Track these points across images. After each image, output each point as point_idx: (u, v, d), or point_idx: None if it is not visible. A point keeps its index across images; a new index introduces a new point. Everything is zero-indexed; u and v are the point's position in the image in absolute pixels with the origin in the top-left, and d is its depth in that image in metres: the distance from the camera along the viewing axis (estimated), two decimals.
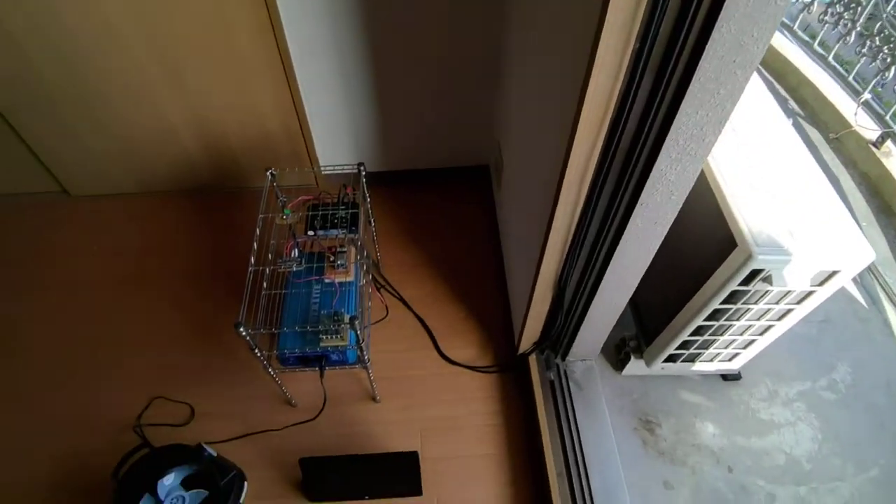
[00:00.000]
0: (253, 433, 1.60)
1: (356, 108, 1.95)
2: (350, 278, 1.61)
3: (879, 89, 2.44)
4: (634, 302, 1.59)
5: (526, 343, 1.63)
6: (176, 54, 1.73)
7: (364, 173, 1.60)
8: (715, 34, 0.73)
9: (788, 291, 1.22)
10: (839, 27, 2.52)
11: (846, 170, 2.39)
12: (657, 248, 1.16)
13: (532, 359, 1.64)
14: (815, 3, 2.71)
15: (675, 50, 0.77)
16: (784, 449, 1.55)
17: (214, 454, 1.38)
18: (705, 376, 1.68)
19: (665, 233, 1.12)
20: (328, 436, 1.60)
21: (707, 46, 0.74)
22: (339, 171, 1.64)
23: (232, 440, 1.58)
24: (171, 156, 2.08)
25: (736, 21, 0.72)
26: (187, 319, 1.86)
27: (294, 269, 1.52)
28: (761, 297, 1.24)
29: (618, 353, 1.70)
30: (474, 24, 1.70)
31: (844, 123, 2.47)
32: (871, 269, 1.97)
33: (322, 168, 2.07)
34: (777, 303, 1.27)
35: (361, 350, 1.43)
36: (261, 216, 1.48)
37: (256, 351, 1.32)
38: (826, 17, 2.57)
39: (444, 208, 2.22)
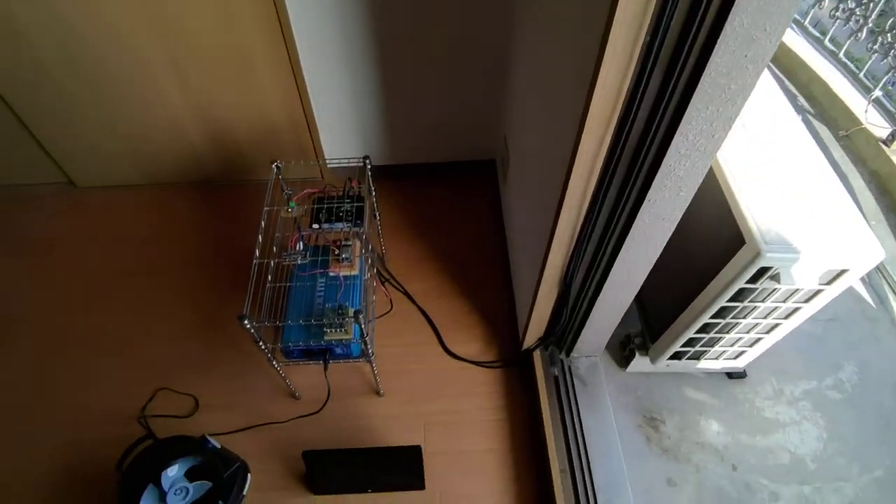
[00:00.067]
0: (257, 425, 1.60)
1: (362, 101, 1.95)
2: (355, 272, 1.61)
3: (890, 87, 2.42)
4: (640, 298, 1.59)
5: (530, 339, 1.62)
6: (183, 48, 1.73)
7: (369, 167, 1.60)
8: (727, 28, 0.72)
9: (796, 290, 1.21)
10: (850, 23, 2.49)
11: (855, 168, 2.37)
12: (664, 244, 1.15)
13: (536, 354, 1.64)
14: None
15: (686, 44, 0.76)
16: (789, 448, 1.55)
17: (218, 446, 1.38)
18: (710, 374, 1.68)
19: (672, 229, 1.11)
20: (332, 429, 1.60)
21: (719, 40, 0.73)
22: (345, 165, 1.64)
23: (236, 432, 1.59)
24: (177, 149, 2.09)
25: (749, 14, 0.71)
26: (192, 311, 1.86)
27: (299, 262, 1.52)
28: (768, 295, 1.23)
29: (622, 349, 1.69)
30: (482, 18, 1.69)
31: (854, 121, 2.45)
32: (879, 269, 1.96)
33: (327, 161, 2.07)
34: (784, 301, 1.26)
35: (365, 344, 1.43)
36: (266, 209, 1.48)
37: (261, 343, 1.32)
38: (837, 13, 2.55)
39: (450, 202, 2.21)
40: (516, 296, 1.83)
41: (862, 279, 1.91)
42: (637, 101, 0.85)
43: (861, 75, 2.57)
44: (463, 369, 1.74)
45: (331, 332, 1.50)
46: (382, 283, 1.93)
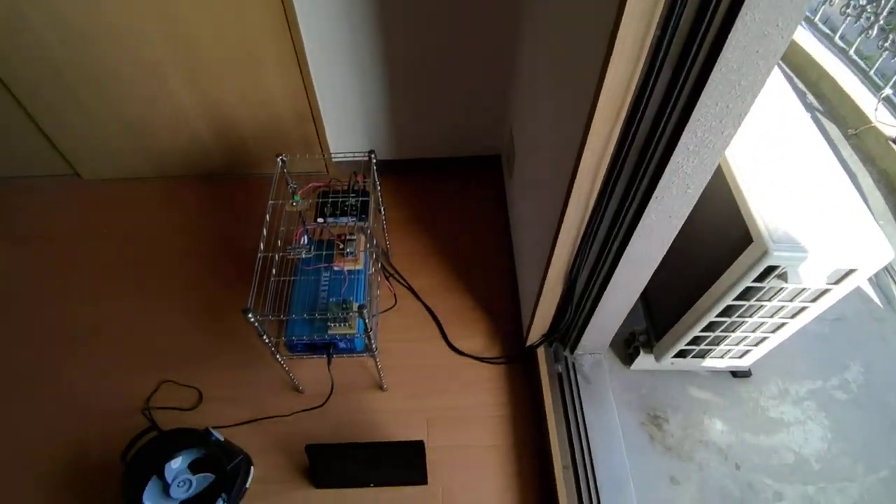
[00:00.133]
0: (260, 419, 1.61)
1: (368, 96, 1.94)
2: (359, 266, 1.61)
3: None
4: (645, 296, 1.58)
5: (534, 335, 1.62)
6: (189, 42, 1.72)
7: (375, 161, 1.59)
8: (738, 23, 0.71)
9: (803, 289, 1.20)
10: (861, 21, 2.46)
11: (864, 166, 2.35)
12: (671, 242, 1.15)
13: (540, 351, 1.64)
14: None
15: (696, 38, 0.75)
16: (793, 447, 1.54)
17: (222, 439, 1.39)
18: (715, 373, 1.67)
19: (679, 227, 1.10)
20: (335, 423, 1.61)
21: (730, 36, 0.73)
22: (350, 159, 1.63)
23: (239, 425, 1.59)
24: (183, 141, 2.09)
25: (761, 10, 0.70)
26: (197, 304, 1.87)
27: (303, 256, 1.52)
28: (775, 294, 1.22)
29: (627, 347, 1.69)
30: (489, 12, 1.68)
31: (864, 119, 2.42)
32: (887, 269, 1.94)
33: (333, 155, 2.07)
34: (791, 300, 1.25)
35: (369, 338, 1.42)
36: (271, 202, 1.48)
37: (265, 337, 1.32)
38: (848, 11, 2.52)
39: (455, 198, 2.21)
40: (521, 292, 1.83)
41: (869, 279, 1.89)
42: (646, 97, 0.84)
43: (871, 73, 2.54)
44: (466, 365, 1.74)
45: (335, 326, 1.51)
46: (387, 278, 1.93)
